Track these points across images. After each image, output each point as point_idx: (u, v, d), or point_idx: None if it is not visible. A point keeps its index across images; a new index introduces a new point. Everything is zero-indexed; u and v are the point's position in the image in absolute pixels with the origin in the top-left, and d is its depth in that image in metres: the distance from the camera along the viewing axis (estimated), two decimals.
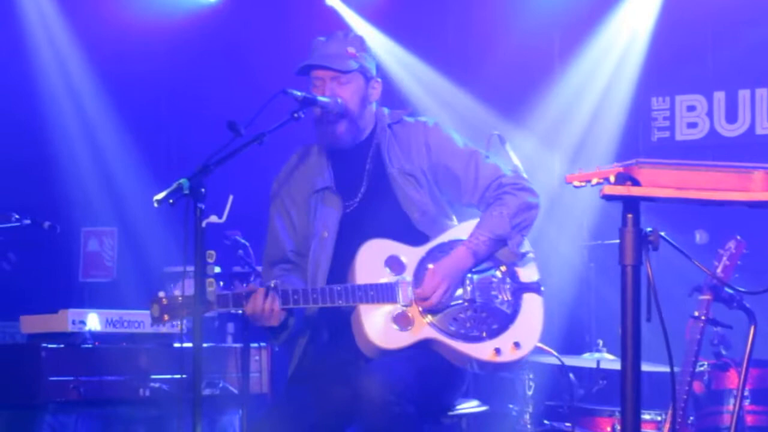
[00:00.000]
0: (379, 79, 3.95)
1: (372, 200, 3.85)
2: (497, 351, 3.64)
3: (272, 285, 3.62)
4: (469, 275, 3.73)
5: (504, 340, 3.66)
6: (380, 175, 3.87)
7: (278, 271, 3.95)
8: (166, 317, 3.63)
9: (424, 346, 3.65)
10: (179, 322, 3.64)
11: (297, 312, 3.73)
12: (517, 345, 3.66)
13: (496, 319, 3.69)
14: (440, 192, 3.88)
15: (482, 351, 3.64)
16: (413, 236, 3.79)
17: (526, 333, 3.69)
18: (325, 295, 3.62)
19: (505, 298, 3.72)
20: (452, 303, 3.69)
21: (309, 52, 3.89)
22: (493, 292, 3.72)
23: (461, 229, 3.82)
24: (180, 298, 3.60)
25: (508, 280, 3.75)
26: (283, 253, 3.94)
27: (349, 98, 3.82)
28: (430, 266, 3.70)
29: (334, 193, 3.87)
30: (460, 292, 3.72)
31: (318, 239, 3.83)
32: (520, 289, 3.74)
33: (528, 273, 3.78)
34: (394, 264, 3.71)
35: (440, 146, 3.87)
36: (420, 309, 3.66)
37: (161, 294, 3.65)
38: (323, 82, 3.82)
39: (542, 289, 3.77)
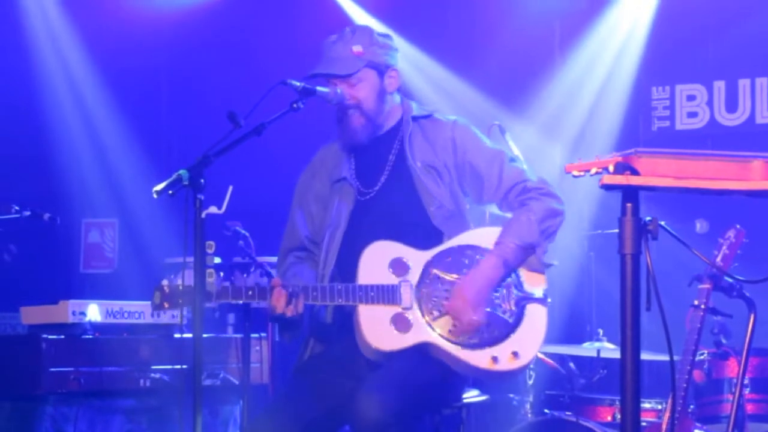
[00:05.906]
0: (396, 68, 3.92)
1: (390, 190, 3.83)
2: (494, 359, 3.59)
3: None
4: None
5: (502, 349, 3.62)
6: (402, 166, 3.85)
7: (292, 258, 3.97)
8: (166, 305, 3.63)
9: (423, 350, 3.62)
10: (178, 312, 3.65)
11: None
12: (515, 354, 3.61)
13: (496, 328, 3.64)
14: (463, 191, 3.85)
15: (479, 358, 3.60)
16: (427, 230, 3.76)
17: (527, 343, 3.64)
18: (326, 293, 3.61)
19: (508, 307, 3.66)
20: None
21: (319, 56, 3.86)
22: (497, 301, 3.66)
23: (472, 235, 3.77)
24: (181, 287, 3.61)
25: (513, 289, 3.69)
26: (299, 241, 3.96)
27: (363, 97, 3.81)
28: (435, 271, 3.67)
29: (349, 185, 3.86)
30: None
31: (331, 229, 3.84)
32: (525, 299, 3.69)
33: (535, 283, 3.72)
34: (398, 266, 3.67)
35: (466, 144, 3.85)
36: (423, 315, 3.62)
37: (164, 282, 3.65)
38: (336, 86, 3.81)
39: (548, 300, 3.72)
